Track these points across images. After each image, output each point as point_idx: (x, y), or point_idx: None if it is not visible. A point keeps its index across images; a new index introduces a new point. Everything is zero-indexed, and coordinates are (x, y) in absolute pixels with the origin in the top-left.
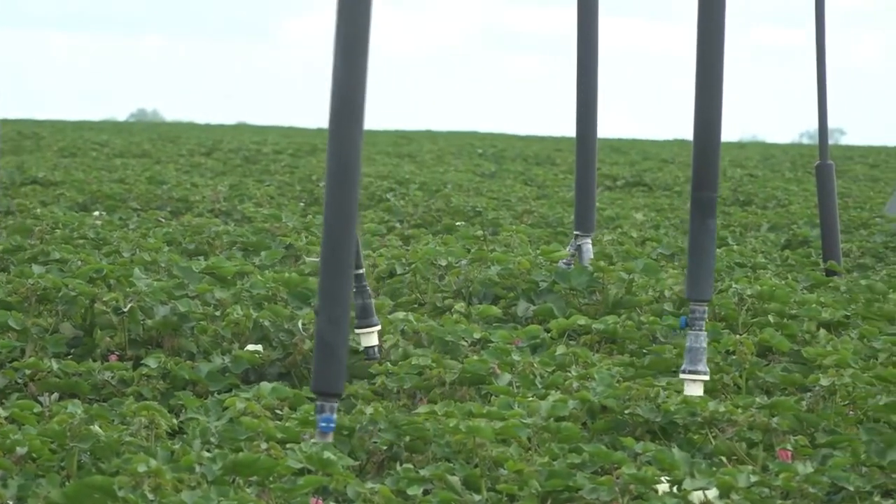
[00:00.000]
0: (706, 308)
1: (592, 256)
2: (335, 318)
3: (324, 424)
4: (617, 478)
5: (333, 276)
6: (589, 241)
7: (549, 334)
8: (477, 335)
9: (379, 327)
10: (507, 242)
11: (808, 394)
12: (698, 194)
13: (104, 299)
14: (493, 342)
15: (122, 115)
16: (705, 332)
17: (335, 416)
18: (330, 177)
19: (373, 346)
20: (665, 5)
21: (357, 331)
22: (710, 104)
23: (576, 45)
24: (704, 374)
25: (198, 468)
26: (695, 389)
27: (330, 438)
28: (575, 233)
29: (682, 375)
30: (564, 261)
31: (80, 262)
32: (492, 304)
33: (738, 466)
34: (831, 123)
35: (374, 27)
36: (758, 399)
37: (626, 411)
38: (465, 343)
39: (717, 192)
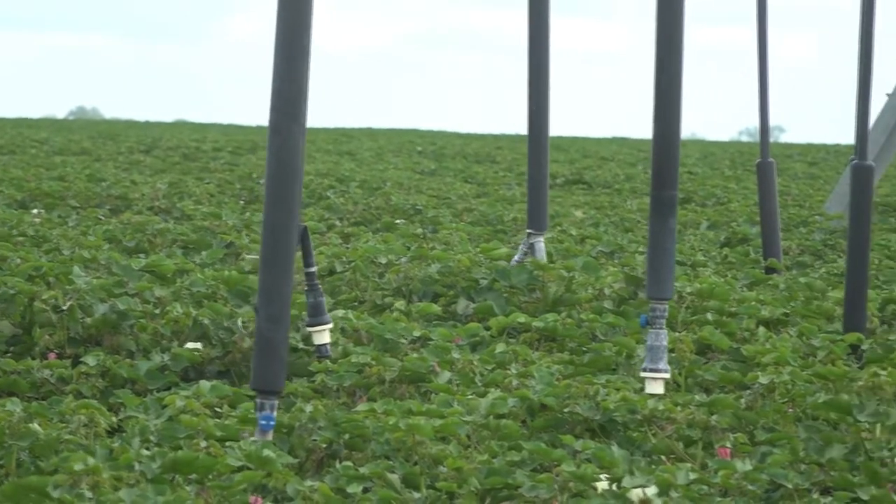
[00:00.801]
0: (667, 306)
1: (545, 255)
2: (274, 315)
3: (264, 422)
4: (556, 475)
5: (273, 273)
6: (541, 239)
7: (489, 332)
8: (417, 333)
9: (331, 325)
10: (447, 240)
11: (748, 391)
12: (659, 193)
13: (43, 297)
14: (432, 340)
15: (61, 113)
16: (665, 330)
17: (275, 413)
18: (270, 173)
19: (324, 345)
20: (605, 4)
21: (308, 329)
22: (670, 104)
23: (528, 47)
24: (665, 371)
25: (137, 466)
26: (656, 387)
27: (270, 436)
28: (528, 231)
29: (642, 374)
30: (517, 258)
31: (19, 260)
32: (432, 302)
33: (678, 464)
34: (771, 121)
35: (315, 25)
36: (697, 397)
37: (566, 409)
38: (404, 341)
39: (677, 191)
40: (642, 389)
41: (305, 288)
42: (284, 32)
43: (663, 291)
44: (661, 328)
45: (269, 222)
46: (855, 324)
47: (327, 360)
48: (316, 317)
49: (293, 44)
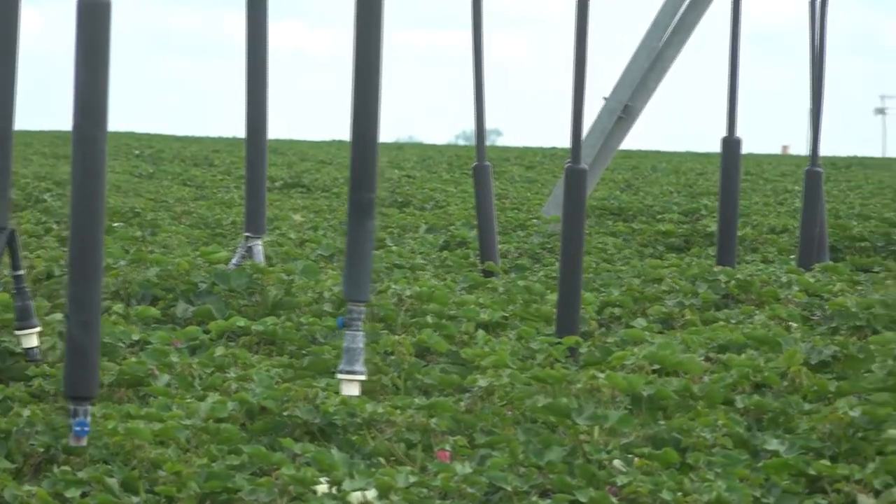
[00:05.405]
0: (364, 309)
1: (263, 258)
2: (85, 322)
3: (78, 428)
4: (276, 479)
5: (82, 280)
6: (259, 242)
7: (209, 335)
8: (136, 336)
9: (39, 329)
10: (166, 243)
11: (467, 394)
12: (357, 195)
13: None
14: (151, 343)
15: None
16: (363, 333)
17: (89, 419)
18: (76, 182)
19: (33, 348)
20: (318, 8)
21: (17, 332)
22: (368, 107)
23: (245, 50)
24: (361, 374)
25: None
26: (352, 389)
27: (84, 442)
28: (245, 234)
29: (338, 375)
30: (234, 261)
31: None
32: (150, 306)
33: (397, 467)
34: (488, 125)
35: (25, 27)
36: (416, 400)
37: (286, 412)
38: (123, 344)
39: (375, 193)
40: (362, 392)
41: (13, 291)
42: (86, 44)
43: (360, 294)
44: (358, 330)
45: (76, 230)
46: (568, 326)
47: (45, 365)
48: (24, 320)
49: (95, 54)
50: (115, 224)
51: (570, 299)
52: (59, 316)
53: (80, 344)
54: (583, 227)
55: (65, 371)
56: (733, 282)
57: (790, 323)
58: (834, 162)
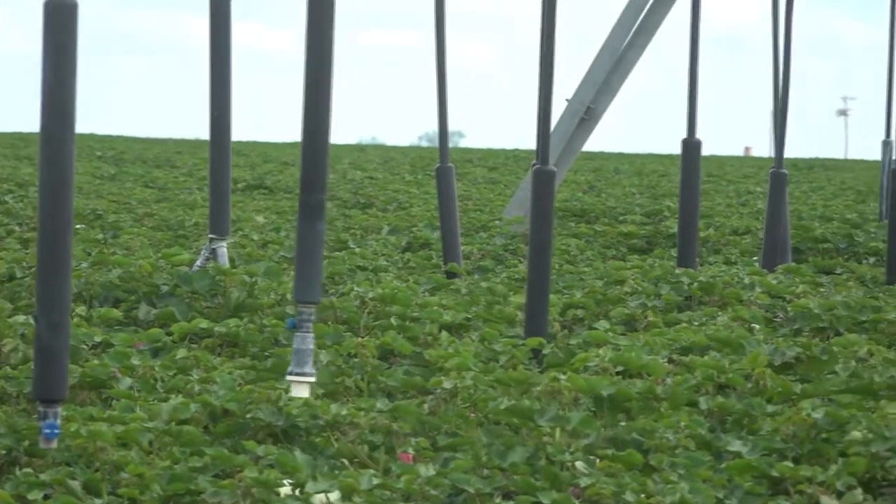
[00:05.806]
0: (314, 310)
1: (227, 260)
2: (54, 323)
3: (48, 431)
4: (239, 481)
5: (51, 281)
6: (224, 244)
7: (171, 338)
8: (98, 338)
9: None
10: (129, 245)
11: (430, 396)
12: (306, 197)
13: None
14: (114, 346)
15: None
16: (312, 334)
17: (59, 421)
18: (44, 182)
19: None
20: (280, 9)
21: None
22: (318, 107)
23: (209, 51)
24: (311, 375)
25: None
26: (301, 391)
27: (55, 444)
28: (210, 236)
29: (288, 377)
30: (199, 263)
31: None
32: (113, 308)
33: (360, 469)
34: (451, 126)
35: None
36: (379, 402)
37: (248, 414)
38: (85, 346)
39: (325, 195)
40: (325, 394)
41: None
42: (53, 44)
43: (311, 295)
44: (308, 332)
45: (44, 230)
46: (536, 328)
47: (7, 367)
48: None
49: (62, 54)
50: (77, 226)
51: (538, 301)
52: (21, 318)
53: (50, 346)
54: (551, 228)
55: (34, 373)
56: (696, 283)
57: (753, 325)
58: (796, 163)
